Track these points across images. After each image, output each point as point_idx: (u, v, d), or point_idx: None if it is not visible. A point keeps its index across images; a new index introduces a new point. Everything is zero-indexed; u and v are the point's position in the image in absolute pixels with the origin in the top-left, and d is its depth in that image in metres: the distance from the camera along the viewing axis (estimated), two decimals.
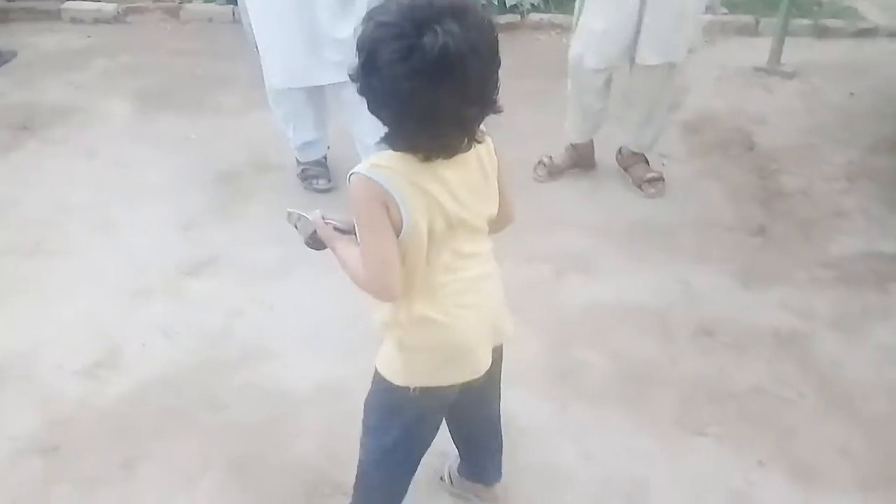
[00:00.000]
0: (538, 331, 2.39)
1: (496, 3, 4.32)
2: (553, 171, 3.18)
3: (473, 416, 1.77)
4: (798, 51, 3.98)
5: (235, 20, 4.47)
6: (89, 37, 4.39)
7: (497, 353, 1.60)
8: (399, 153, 1.33)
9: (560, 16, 4.39)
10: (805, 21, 4.19)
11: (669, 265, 2.70)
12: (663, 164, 3.19)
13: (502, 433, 1.84)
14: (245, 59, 4.03)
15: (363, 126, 2.90)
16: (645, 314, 2.50)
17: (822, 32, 4.24)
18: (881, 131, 3.46)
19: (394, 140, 1.33)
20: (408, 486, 1.71)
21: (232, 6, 4.49)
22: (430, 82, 1.21)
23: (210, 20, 4.52)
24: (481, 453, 1.87)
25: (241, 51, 3.98)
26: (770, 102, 3.67)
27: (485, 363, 1.54)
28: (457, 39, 1.19)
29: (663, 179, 3.08)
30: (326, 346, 2.34)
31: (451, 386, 1.54)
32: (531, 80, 3.90)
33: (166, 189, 3.11)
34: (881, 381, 2.25)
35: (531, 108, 3.64)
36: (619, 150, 3.16)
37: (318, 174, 3.14)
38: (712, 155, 3.22)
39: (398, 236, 1.36)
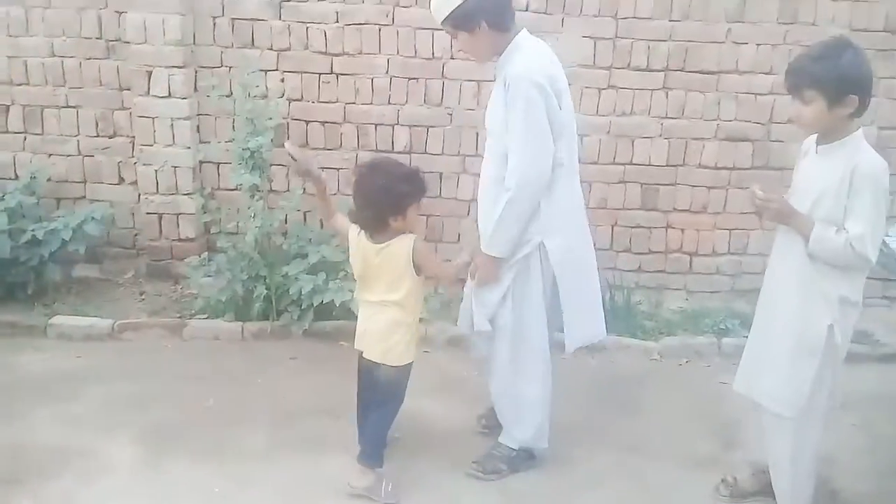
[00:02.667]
0: None
1: None
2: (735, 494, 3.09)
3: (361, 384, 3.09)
4: None
5: (244, 338, 4.19)
6: (79, 357, 3.97)
7: (374, 365, 2.97)
8: None
9: None
10: None
11: None
12: None
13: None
14: (260, 386, 3.73)
15: None
16: None
17: (847, 357, 4.22)
18: None
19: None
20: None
21: (241, 323, 4.22)
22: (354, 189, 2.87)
23: (216, 338, 4.20)
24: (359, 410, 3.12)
25: (254, 376, 3.71)
26: (833, 440, 3.46)
27: (360, 347, 3.00)
28: (362, 173, 2.86)
29: None
30: None
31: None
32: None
33: None
34: None
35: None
36: None
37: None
38: None
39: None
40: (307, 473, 3.10)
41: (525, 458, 3.23)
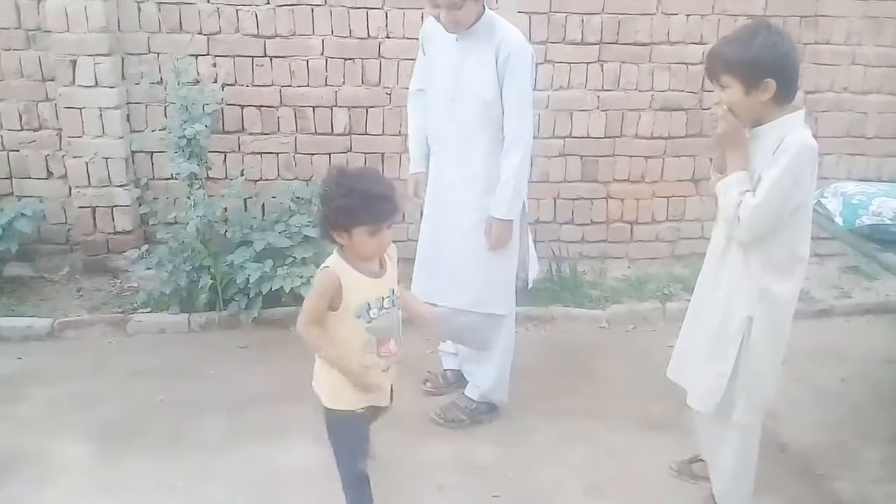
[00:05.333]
0: None
1: None
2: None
3: None
4: None
5: (191, 329, 4.10)
6: (20, 358, 3.82)
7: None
8: None
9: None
10: None
11: None
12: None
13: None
14: (212, 377, 3.67)
15: None
16: None
17: None
18: (892, 420, 3.47)
19: None
20: None
21: (187, 314, 4.13)
22: None
23: (162, 331, 4.10)
24: None
25: (205, 367, 3.64)
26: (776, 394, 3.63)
27: None
28: (330, 174, 2.42)
29: None
30: None
31: None
32: None
33: None
34: None
35: None
36: None
37: None
38: None
39: None
40: (269, 461, 3.07)
41: (485, 411, 3.39)
